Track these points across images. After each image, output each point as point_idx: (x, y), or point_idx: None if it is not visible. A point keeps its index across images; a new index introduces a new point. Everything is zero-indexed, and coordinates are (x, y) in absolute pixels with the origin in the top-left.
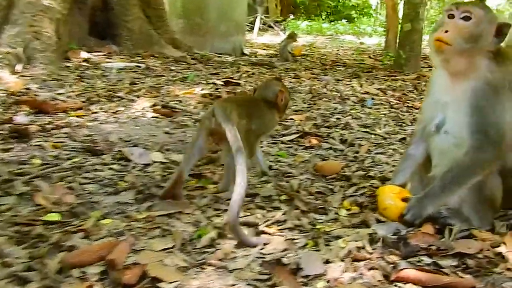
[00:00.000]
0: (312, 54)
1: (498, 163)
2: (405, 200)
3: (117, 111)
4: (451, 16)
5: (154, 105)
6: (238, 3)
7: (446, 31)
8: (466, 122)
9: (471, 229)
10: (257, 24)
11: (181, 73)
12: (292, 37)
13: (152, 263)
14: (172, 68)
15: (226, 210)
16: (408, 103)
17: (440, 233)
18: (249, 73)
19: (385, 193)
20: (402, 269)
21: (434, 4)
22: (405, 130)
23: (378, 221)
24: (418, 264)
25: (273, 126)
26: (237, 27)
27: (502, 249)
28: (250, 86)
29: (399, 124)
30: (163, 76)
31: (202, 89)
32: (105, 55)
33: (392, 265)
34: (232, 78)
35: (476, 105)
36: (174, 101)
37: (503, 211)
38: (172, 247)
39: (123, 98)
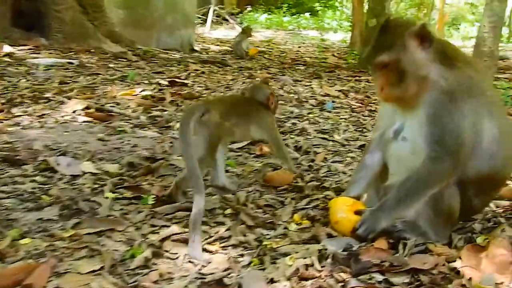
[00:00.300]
0: (270, 51)
1: (456, 173)
2: (358, 213)
3: (43, 114)
4: (375, 69)
5: (87, 108)
6: None
7: (382, 89)
8: (423, 131)
9: (427, 243)
10: (210, 16)
11: (120, 71)
12: (246, 32)
13: (77, 287)
14: (110, 65)
15: (163, 226)
16: (370, 106)
17: (394, 248)
18: (199, 72)
19: (338, 206)
20: None
21: None
22: (365, 136)
23: (329, 236)
24: (369, 281)
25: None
26: (186, 19)
27: (457, 264)
28: (199, 87)
29: (360, 129)
30: (100, 74)
31: (143, 90)
32: (31, 49)
33: (341, 284)
34: (178, 77)
35: (432, 115)
36: (110, 103)
37: (461, 224)
38: (100, 269)
39: (51, 100)
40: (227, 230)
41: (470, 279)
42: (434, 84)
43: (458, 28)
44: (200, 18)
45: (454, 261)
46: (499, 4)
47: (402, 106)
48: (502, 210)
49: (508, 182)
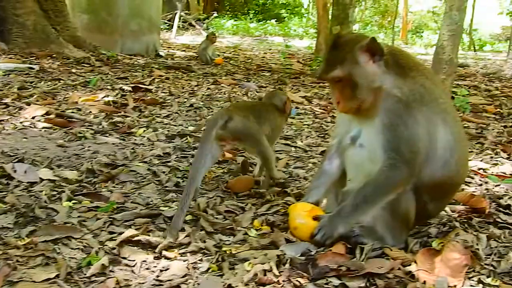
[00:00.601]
0: (236, 57)
1: (412, 181)
2: (316, 219)
3: (1, 120)
4: (330, 84)
5: (47, 114)
6: None
7: (338, 102)
8: (380, 138)
9: (384, 248)
10: (176, 22)
11: (83, 76)
12: (210, 38)
13: None
14: (73, 70)
15: (122, 233)
16: (333, 112)
17: (352, 252)
18: (163, 77)
19: (297, 211)
20: None
21: (368, 5)
22: (327, 142)
23: (288, 241)
24: (326, 286)
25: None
26: (151, 25)
27: (413, 267)
28: (162, 92)
29: (322, 135)
30: (61, 80)
31: (106, 96)
32: None
33: None
34: (142, 83)
35: (388, 123)
36: (71, 109)
37: (417, 228)
38: (55, 277)
39: (10, 106)
40: (186, 236)
41: (424, 282)
42: (388, 94)
43: (421, 36)
44: (166, 23)
45: (410, 265)
46: (457, 13)
47: (359, 116)
48: (457, 215)
49: (463, 187)
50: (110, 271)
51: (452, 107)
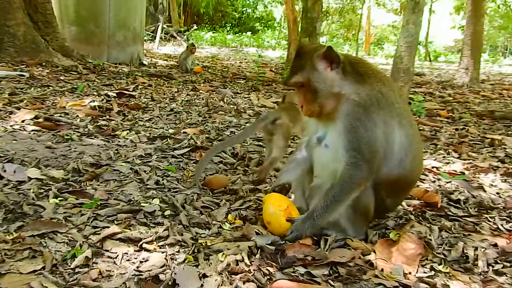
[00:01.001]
0: (214, 66)
1: (372, 178)
2: (290, 221)
3: None
4: (294, 89)
5: (36, 118)
6: (136, 11)
7: (302, 106)
8: (342, 140)
9: (346, 239)
10: (159, 33)
11: (70, 83)
12: (190, 49)
13: (17, 287)
14: (61, 78)
15: (105, 227)
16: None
17: (318, 243)
18: (146, 84)
19: (273, 208)
20: (276, 280)
21: (335, 19)
22: (296, 143)
23: (258, 233)
24: (293, 274)
25: None
26: (136, 36)
27: (372, 257)
28: (145, 98)
29: (292, 137)
30: (50, 86)
31: (92, 101)
32: None
33: (267, 277)
34: (126, 89)
35: (349, 126)
36: (59, 113)
37: (377, 221)
38: (41, 269)
39: (1, 110)
40: (165, 230)
41: (382, 270)
42: (347, 99)
43: (382, 48)
44: (150, 35)
45: (369, 254)
46: (413, 26)
47: (324, 120)
48: (412, 209)
49: (418, 183)
50: (94, 262)
51: (407, 111)
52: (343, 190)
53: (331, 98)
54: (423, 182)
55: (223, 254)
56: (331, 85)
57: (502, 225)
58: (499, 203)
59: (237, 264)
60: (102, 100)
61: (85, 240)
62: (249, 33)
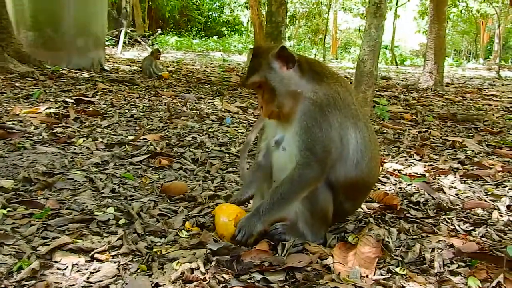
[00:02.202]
0: (179, 71)
1: (323, 178)
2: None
3: None
4: (253, 90)
5: None
6: (97, 16)
7: (261, 107)
8: (297, 140)
9: (304, 243)
10: (122, 38)
11: (26, 90)
12: (154, 54)
13: None
14: (16, 84)
15: (55, 238)
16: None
17: (275, 249)
18: (106, 90)
19: (222, 219)
20: (231, 287)
21: (301, 23)
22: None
23: (216, 240)
24: (249, 281)
25: None
26: (97, 41)
27: (329, 260)
28: (104, 104)
29: (255, 142)
30: (4, 93)
31: (48, 108)
32: None
33: (223, 284)
34: (85, 95)
35: (304, 125)
36: (12, 121)
37: (336, 225)
38: None
39: None
40: (118, 239)
41: (339, 274)
42: (304, 97)
43: (349, 51)
44: (112, 39)
45: (327, 258)
46: (376, 31)
47: (282, 122)
48: (372, 212)
49: (379, 186)
50: (42, 275)
51: (363, 113)
52: (291, 188)
53: (289, 97)
54: (384, 185)
55: (178, 262)
56: (288, 84)
57: (459, 225)
58: (458, 204)
59: (192, 273)
60: (59, 107)
61: (33, 251)
62: (215, 38)
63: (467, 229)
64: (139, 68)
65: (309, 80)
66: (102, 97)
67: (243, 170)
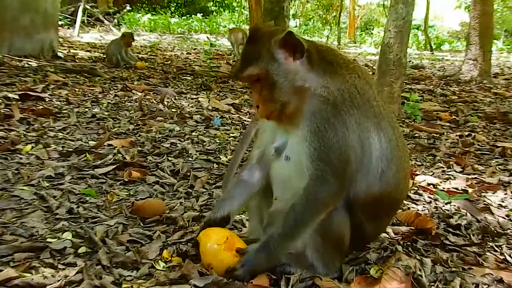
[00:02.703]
0: (153, 58)
1: (342, 195)
2: (239, 252)
3: None
4: (248, 84)
5: None
6: None
7: (257, 106)
8: (306, 147)
9: (314, 277)
10: (79, 16)
11: None
12: (126, 40)
13: None
14: None
15: None
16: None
17: (277, 284)
18: (60, 83)
19: (209, 245)
20: None
21: None
22: None
23: (202, 273)
24: None
25: None
26: (47, 20)
27: None
28: (58, 101)
29: (250, 148)
30: None
31: None
32: None
33: None
34: (33, 90)
35: (315, 128)
36: None
37: (354, 254)
38: None
39: None
40: (78, 273)
41: None
42: (313, 94)
43: (371, 33)
44: (67, 18)
45: None
46: (404, 6)
47: (284, 123)
48: (400, 237)
49: (409, 205)
50: None
51: (388, 111)
52: (306, 212)
53: (294, 94)
54: (416, 204)
55: None
56: (294, 78)
57: (510, 255)
58: (509, 228)
59: None
60: (0, 104)
61: None
62: (199, 16)
63: None
64: (102, 54)
65: (319, 73)
66: (55, 92)
67: (227, 184)
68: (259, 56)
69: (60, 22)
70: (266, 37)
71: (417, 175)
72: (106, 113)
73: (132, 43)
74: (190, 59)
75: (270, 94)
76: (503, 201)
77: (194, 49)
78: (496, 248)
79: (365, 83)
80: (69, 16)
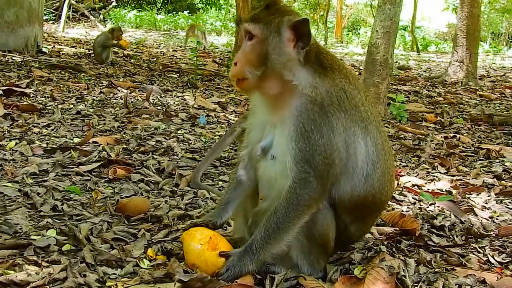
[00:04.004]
0: (139, 55)
1: (324, 197)
2: (223, 255)
3: None
4: (243, 39)
5: None
6: None
7: (235, 63)
8: (291, 147)
9: (299, 277)
10: (65, 12)
11: None
12: (115, 35)
13: None
14: None
15: None
16: None
17: (262, 283)
18: (44, 79)
19: (193, 244)
20: None
21: None
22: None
23: (186, 272)
24: None
25: None
26: (32, 15)
27: None
28: (42, 97)
29: (236, 147)
30: None
31: None
32: None
33: None
34: (17, 85)
35: (300, 129)
36: None
37: (339, 254)
38: None
39: None
40: (62, 270)
41: None
42: (301, 93)
43: (358, 33)
44: (52, 13)
45: None
46: (391, 7)
47: (261, 94)
48: (384, 238)
49: (394, 205)
50: None
51: (376, 117)
52: (288, 214)
53: (278, 79)
54: (400, 204)
55: None
56: (285, 65)
57: (493, 256)
58: (492, 230)
59: None
60: None
61: None
62: (186, 13)
63: (503, 261)
64: (87, 50)
65: (310, 72)
66: (39, 88)
67: (197, 178)
68: (268, 22)
69: (45, 17)
70: (282, 12)
71: (402, 176)
72: (91, 110)
73: (122, 38)
74: (176, 56)
75: (254, 60)
76: (486, 203)
77: (180, 47)
78: (479, 249)
79: (354, 88)
80: (54, 11)
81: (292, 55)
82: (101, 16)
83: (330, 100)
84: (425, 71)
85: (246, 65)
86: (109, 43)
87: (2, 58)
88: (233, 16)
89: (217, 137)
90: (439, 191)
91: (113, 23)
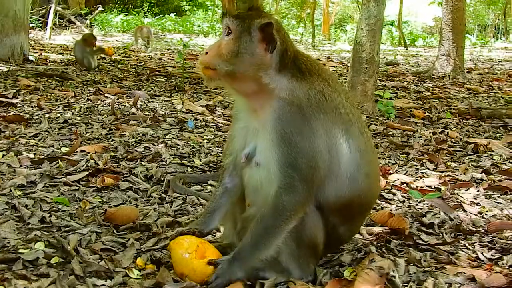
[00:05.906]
0: (126, 60)
1: (311, 201)
2: (212, 264)
3: None
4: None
5: None
6: None
7: (207, 53)
8: (274, 152)
9: (289, 282)
10: (51, 18)
11: None
12: (87, 40)
13: None
14: None
15: None
16: None
17: None
18: (31, 88)
19: (181, 253)
20: None
21: None
22: None
23: (176, 281)
24: None
25: None
26: (17, 23)
27: None
28: (30, 107)
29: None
30: None
31: None
32: None
33: None
34: (4, 95)
35: (281, 133)
36: None
37: (329, 256)
38: None
39: None
40: (51, 283)
41: None
42: (278, 96)
43: (345, 30)
44: (38, 20)
45: None
46: (375, 5)
47: (234, 92)
48: (374, 238)
49: (383, 204)
50: None
51: (359, 118)
52: (275, 221)
53: (253, 80)
54: (389, 203)
55: None
56: (259, 66)
57: (482, 253)
58: (481, 226)
59: None
60: None
61: None
62: (173, 15)
63: (493, 258)
64: (74, 57)
65: (286, 76)
66: (26, 98)
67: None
68: (243, 20)
69: (31, 25)
70: (260, 14)
71: (390, 174)
72: (79, 118)
73: (95, 42)
74: (163, 60)
75: (225, 54)
76: (475, 198)
77: (168, 50)
78: (469, 246)
79: (334, 91)
80: (40, 18)
81: (265, 58)
82: (88, 22)
83: (308, 102)
84: (412, 66)
85: (217, 57)
86: (88, 53)
87: None
88: (219, 18)
89: (205, 141)
90: (428, 188)
91: (100, 28)
